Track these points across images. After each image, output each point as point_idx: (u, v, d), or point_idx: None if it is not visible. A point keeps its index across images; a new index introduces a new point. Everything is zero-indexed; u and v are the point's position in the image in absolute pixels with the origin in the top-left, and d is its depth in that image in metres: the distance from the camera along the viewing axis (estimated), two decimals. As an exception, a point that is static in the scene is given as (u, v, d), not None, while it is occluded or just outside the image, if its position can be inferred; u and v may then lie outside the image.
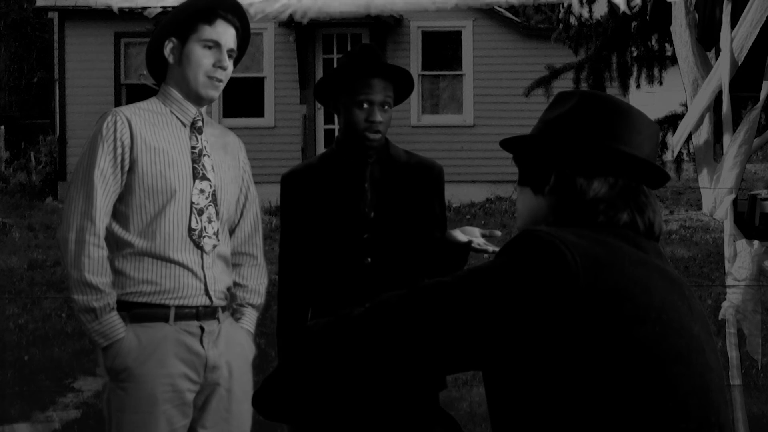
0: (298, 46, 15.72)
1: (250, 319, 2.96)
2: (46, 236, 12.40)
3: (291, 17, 4.09)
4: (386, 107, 2.98)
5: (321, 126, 16.22)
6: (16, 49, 25.43)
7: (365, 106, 2.94)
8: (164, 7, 3.88)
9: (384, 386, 1.43)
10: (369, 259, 2.98)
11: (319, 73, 16.14)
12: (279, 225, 3.15)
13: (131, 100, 16.45)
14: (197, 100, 2.83)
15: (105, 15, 15.83)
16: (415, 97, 15.82)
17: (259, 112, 15.99)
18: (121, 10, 4.11)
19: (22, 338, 7.32)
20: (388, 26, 15.79)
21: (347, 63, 3.01)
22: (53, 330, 7.59)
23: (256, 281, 3.00)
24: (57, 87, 16.30)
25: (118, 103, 15.96)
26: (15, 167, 17.88)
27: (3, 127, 18.87)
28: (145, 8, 3.97)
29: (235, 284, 2.94)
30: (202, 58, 2.77)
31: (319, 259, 3.03)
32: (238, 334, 2.89)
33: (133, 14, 4.14)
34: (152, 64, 2.85)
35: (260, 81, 15.96)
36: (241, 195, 2.96)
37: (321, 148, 16.16)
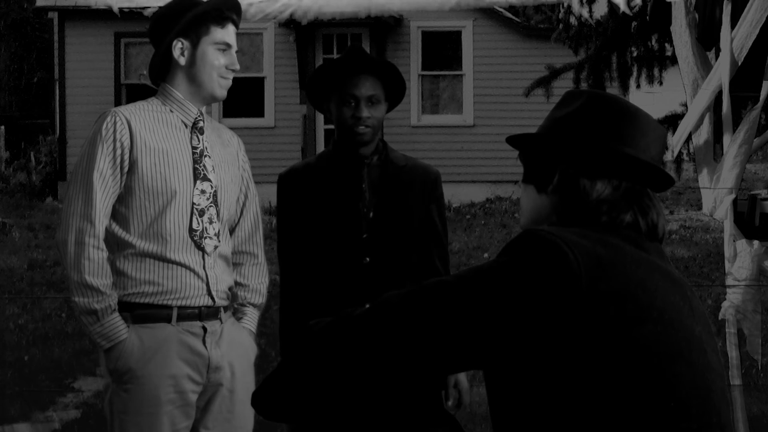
0: (298, 46, 15.72)
1: (251, 318, 2.96)
2: (46, 236, 12.39)
3: (291, 17, 4.09)
4: (374, 103, 3.00)
5: (321, 126, 16.21)
6: (16, 49, 25.42)
7: (352, 102, 2.99)
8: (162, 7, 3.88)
9: (385, 386, 1.43)
10: (367, 259, 2.98)
11: (319, 73, 16.15)
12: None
13: (131, 100, 16.21)
14: (209, 100, 2.85)
15: (105, 15, 15.78)
16: (415, 97, 15.81)
17: (259, 112, 15.99)
18: (121, 10, 4.11)
19: (22, 338, 7.32)
20: (388, 26, 15.78)
21: (332, 62, 3.07)
22: (53, 330, 7.58)
23: (257, 280, 3.00)
24: (57, 87, 16.29)
25: (118, 103, 15.94)
26: (15, 167, 17.87)
27: (3, 127, 18.86)
28: (145, 8, 3.97)
29: (236, 284, 2.94)
30: (215, 60, 2.79)
31: (317, 259, 3.03)
32: (240, 334, 2.89)
33: (133, 14, 4.14)
34: (160, 64, 2.84)
35: (260, 81, 15.96)
36: (240, 194, 2.96)
37: (321, 148, 16.15)
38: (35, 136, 18.72)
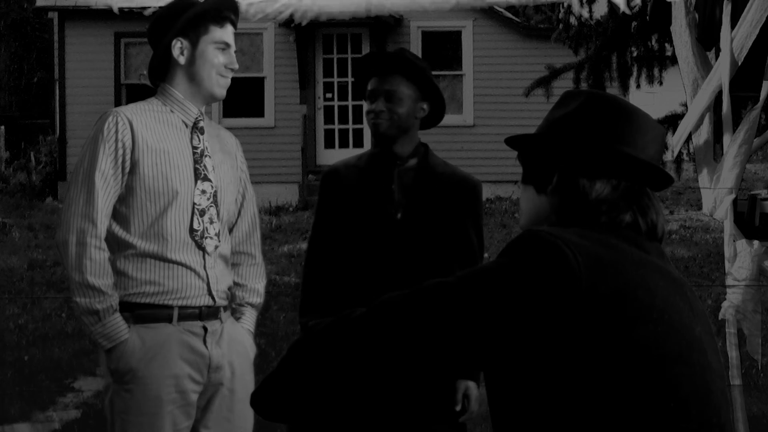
0: (298, 46, 15.72)
1: (250, 318, 2.96)
2: (46, 236, 12.39)
3: (291, 17, 4.09)
4: (394, 99, 3.01)
5: (321, 126, 16.21)
6: (16, 49, 25.41)
7: (371, 97, 3.04)
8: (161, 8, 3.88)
9: (385, 386, 1.43)
10: (393, 260, 2.97)
11: (319, 73, 16.15)
12: (309, 223, 3.21)
13: (131, 100, 16.26)
14: (208, 99, 2.85)
15: (105, 15, 15.80)
16: (415, 97, 15.79)
17: (259, 112, 15.99)
18: (121, 10, 4.11)
19: (22, 338, 7.32)
20: (388, 26, 15.78)
21: (360, 61, 3.17)
22: (53, 330, 7.59)
23: (255, 281, 3.00)
24: (57, 87, 16.29)
25: (118, 103, 15.93)
26: (15, 167, 17.87)
27: (3, 127, 18.86)
28: (145, 8, 3.97)
29: (234, 284, 2.94)
30: (215, 58, 2.80)
31: (344, 259, 3.04)
32: (240, 333, 2.89)
33: (133, 14, 4.14)
34: (159, 63, 2.84)
35: (260, 81, 15.96)
36: (238, 195, 2.96)
37: (321, 148, 16.17)
38: (35, 136, 18.72)
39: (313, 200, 15.00)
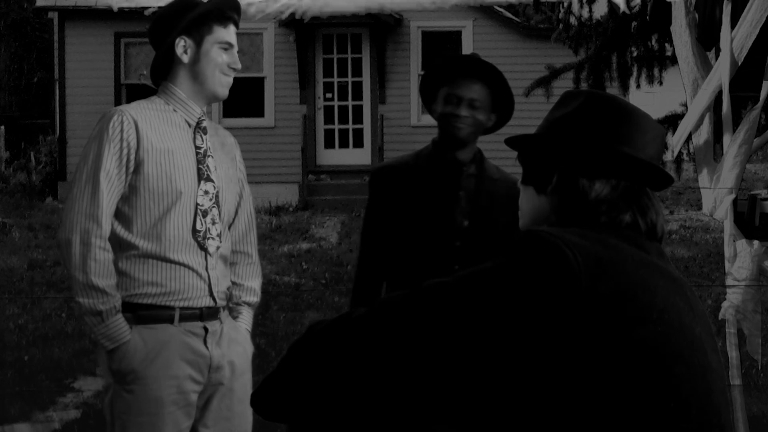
0: (298, 46, 15.71)
1: (247, 317, 2.96)
2: (46, 236, 12.39)
3: (291, 16, 4.10)
4: (476, 107, 3.02)
5: (321, 126, 16.21)
6: (16, 49, 25.41)
7: (455, 101, 3.02)
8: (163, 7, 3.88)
9: (384, 386, 1.43)
10: (457, 267, 2.94)
11: (319, 73, 16.15)
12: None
13: (131, 100, 16.15)
14: (211, 99, 2.85)
15: (105, 15, 15.81)
16: (414, 97, 15.80)
17: (259, 112, 15.98)
18: (121, 9, 4.11)
19: (22, 338, 7.31)
20: (388, 26, 15.78)
21: (444, 60, 3.13)
22: (53, 330, 7.58)
23: (251, 280, 3.00)
24: (57, 87, 16.29)
25: (118, 103, 15.92)
26: (15, 167, 17.88)
27: (3, 127, 18.86)
28: (145, 8, 3.97)
29: (231, 283, 2.94)
30: (218, 57, 2.80)
31: (403, 262, 3.03)
32: (238, 333, 2.90)
33: (133, 14, 4.14)
34: (162, 62, 2.83)
35: (260, 81, 15.95)
36: (237, 194, 2.96)
37: (321, 148, 16.17)
38: (35, 136, 18.72)
39: (312, 200, 15.02)
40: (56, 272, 10.04)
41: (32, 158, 17.43)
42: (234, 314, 2.94)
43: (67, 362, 6.66)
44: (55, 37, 16.37)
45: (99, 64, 16.01)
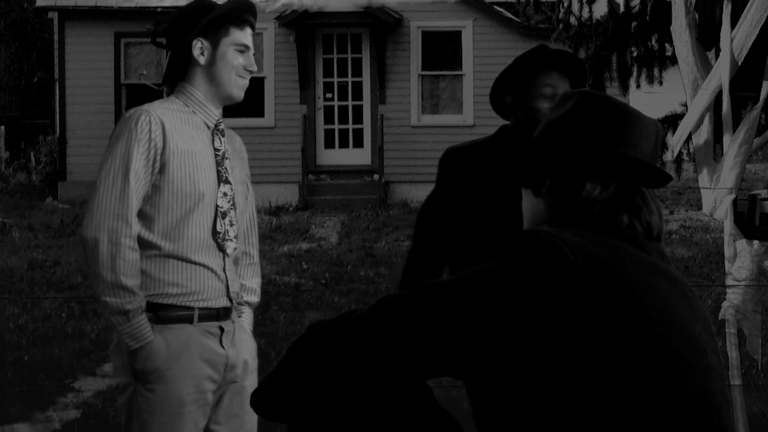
0: (298, 46, 15.71)
1: (249, 317, 3.00)
2: (46, 236, 12.40)
3: (292, 14, 4.09)
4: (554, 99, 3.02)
5: (321, 126, 16.22)
6: (16, 49, 25.42)
7: (548, 93, 3.09)
8: (163, 7, 3.89)
9: (384, 386, 1.43)
10: None
11: (319, 73, 16.15)
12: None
13: (131, 99, 16.49)
14: (227, 100, 2.87)
15: (105, 15, 15.83)
16: (414, 97, 15.82)
17: (259, 112, 15.99)
18: (121, 9, 4.11)
19: (22, 338, 7.31)
20: (388, 26, 15.79)
21: (523, 57, 3.24)
22: (53, 330, 7.59)
23: (252, 279, 3.03)
24: (57, 87, 16.30)
25: (118, 104, 15.96)
26: (15, 167, 17.90)
27: (3, 127, 18.88)
28: (145, 8, 3.98)
29: None
30: (235, 60, 2.82)
31: (473, 245, 2.99)
32: (245, 332, 2.94)
33: (133, 14, 4.15)
34: (179, 63, 2.84)
35: (260, 81, 15.95)
36: (244, 195, 2.99)
37: (321, 148, 16.18)
38: (35, 136, 18.74)
39: (312, 200, 15.03)
40: (56, 272, 10.04)
41: (32, 158, 17.45)
42: (237, 314, 2.96)
43: (67, 362, 6.66)
44: (55, 37, 16.38)
45: (99, 64, 16.01)
